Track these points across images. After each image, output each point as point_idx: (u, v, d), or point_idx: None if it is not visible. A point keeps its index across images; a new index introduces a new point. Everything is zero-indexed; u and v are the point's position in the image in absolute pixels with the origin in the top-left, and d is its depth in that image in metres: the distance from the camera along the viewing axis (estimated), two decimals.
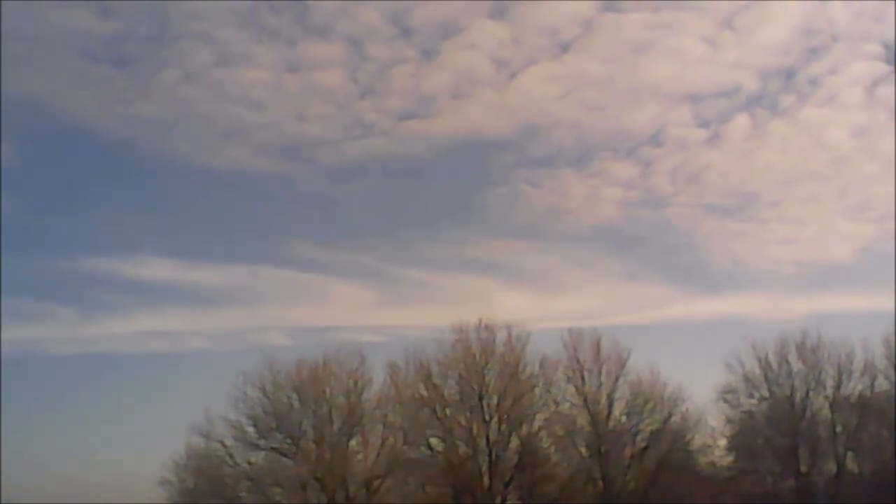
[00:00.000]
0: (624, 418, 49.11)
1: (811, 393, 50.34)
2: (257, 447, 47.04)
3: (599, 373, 49.00)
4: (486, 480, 46.71)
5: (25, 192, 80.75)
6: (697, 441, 50.46)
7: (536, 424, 48.85)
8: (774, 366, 50.76)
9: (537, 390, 48.60)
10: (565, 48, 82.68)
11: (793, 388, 50.31)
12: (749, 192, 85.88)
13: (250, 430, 46.95)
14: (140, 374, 76.15)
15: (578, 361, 49.02)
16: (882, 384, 50.17)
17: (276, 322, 73.19)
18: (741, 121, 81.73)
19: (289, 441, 46.63)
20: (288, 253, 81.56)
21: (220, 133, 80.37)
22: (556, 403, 49.05)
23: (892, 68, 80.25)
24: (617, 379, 48.94)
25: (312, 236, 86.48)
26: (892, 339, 49.92)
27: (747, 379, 51.02)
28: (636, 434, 48.98)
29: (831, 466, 49.98)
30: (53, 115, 76.37)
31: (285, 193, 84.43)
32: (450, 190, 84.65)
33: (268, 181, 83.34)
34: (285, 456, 46.66)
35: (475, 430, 47.18)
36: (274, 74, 79.03)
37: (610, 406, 48.70)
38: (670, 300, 76.24)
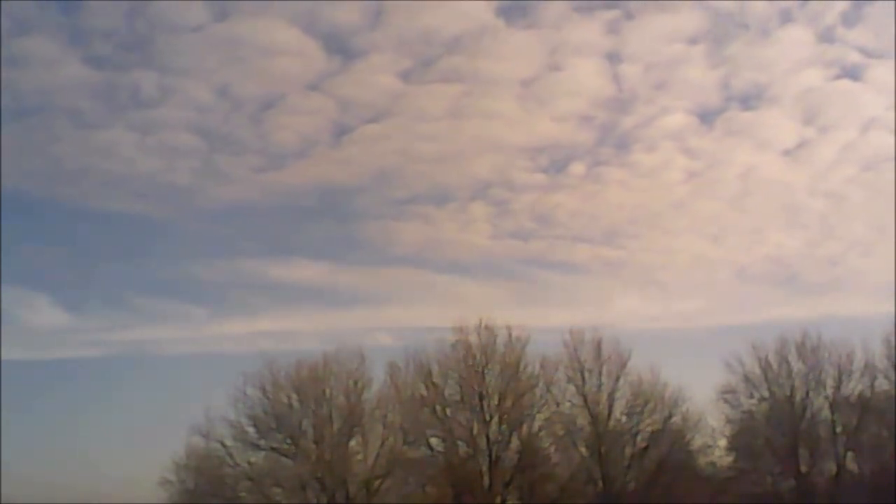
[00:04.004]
0: (624, 418, 49.17)
1: (811, 393, 50.33)
2: (257, 447, 46.99)
3: (600, 373, 49.05)
4: (486, 480, 46.69)
5: None
6: (697, 441, 50.53)
7: (536, 424, 48.89)
8: (774, 366, 50.74)
9: (538, 390, 48.65)
10: (384, 114, 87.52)
11: (793, 388, 50.28)
12: (607, 229, 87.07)
13: (250, 430, 46.94)
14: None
15: (579, 361, 49.06)
16: (882, 384, 50.12)
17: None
18: (576, 168, 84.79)
19: (289, 441, 46.60)
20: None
21: (98, 184, 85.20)
22: (557, 403, 49.08)
23: (700, 121, 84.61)
24: (617, 379, 49.00)
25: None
26: (892, 339, 49.92)
27: (747, 379, 50.99)
28: (636, 434, 49.02)
29: (831, 466, 49.99)
30: None
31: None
32: (325, 225, 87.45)
33: (162, 221, 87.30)
34: (285, 456, 46.65)
35: (475, 430, 47.19)
36: (133, 135, 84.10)
37: (610, 406, 48.73)
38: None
